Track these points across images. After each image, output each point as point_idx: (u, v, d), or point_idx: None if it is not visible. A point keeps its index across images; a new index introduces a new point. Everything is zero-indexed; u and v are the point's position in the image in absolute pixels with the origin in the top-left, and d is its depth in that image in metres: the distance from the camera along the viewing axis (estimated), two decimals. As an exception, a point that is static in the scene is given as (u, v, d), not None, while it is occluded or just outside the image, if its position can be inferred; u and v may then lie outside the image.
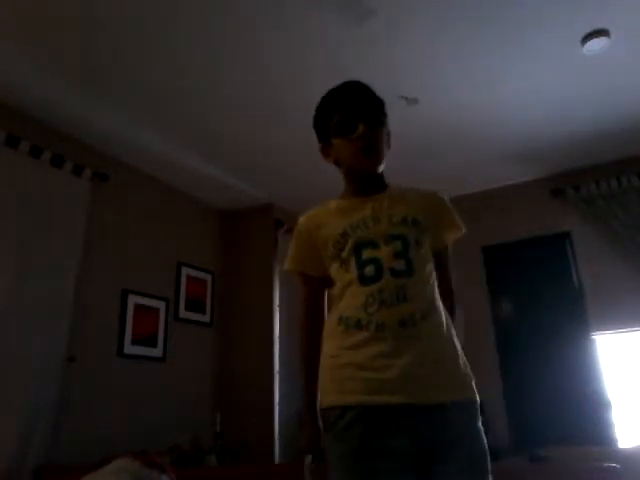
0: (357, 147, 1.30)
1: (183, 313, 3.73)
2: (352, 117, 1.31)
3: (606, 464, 2.01)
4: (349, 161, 1.34)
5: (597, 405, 3.41)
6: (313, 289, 1.41)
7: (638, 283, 3.45)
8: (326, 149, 1.41)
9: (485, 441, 1.18)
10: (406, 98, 2.88)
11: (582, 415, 3.39)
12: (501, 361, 3.75)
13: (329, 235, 1.32)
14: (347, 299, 1.26)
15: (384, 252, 1.24)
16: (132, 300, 3.33)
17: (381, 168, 1.37)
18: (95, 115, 3.02)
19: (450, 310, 1.33)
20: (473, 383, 1.24)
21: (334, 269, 1.30)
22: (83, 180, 3.09)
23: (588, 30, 2.49)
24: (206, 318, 3.94)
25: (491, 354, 3.77)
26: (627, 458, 2.40)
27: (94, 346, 3.04)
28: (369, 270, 1.24)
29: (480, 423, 1.20)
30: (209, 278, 4.03)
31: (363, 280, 1.24)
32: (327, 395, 1.24)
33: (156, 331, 3.46)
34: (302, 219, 1.42)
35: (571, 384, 3.52)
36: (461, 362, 1.25)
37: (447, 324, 1.27)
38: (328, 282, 1.35)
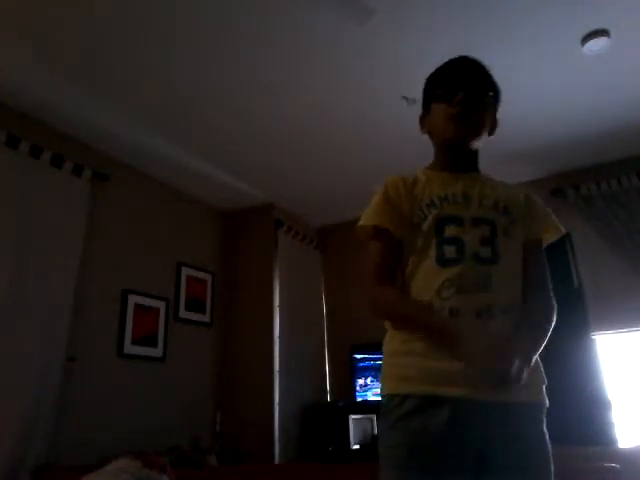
0: (451, 113, 1.23)
1: (183, 313, 3.73)
2: (457, 84, 1.24)
3: (606, 464, 2.00)
4: (441, 127, 1.26)
5: (597, 405, 3.41)
6: (391, 250, 1.21)
7: (638, 283, 3.45)
8: (424, 117, 1.34)
9: (549, 445, 1.12)
10: (406, 98, 2.88)
11: (582, 415, 3.39)
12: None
13: (415, 200, 1.21)
14: (420, 280, 1.15)
15: (470, 234, 1.15)
16: (132, 300, 3.33)
17: (474, 144, 1.27)
18: (95, 115, 3.02)
19: (550, 303, 1.21)
20: (543, 387, 1.18)
21: (411, 239, 1.18)
22: (83, 180, 3.09)
23: (588, 30, 2.49)
24: (206, 318, 3.94)
25: (491, 354, 3.76)
26: (627, 458, 2.40)
27: (94, 346, 3.04)
28: (449, 251, 1.14)
29: (544, 427, 1.14)
30: (209, 278, 4.03)
31: (441, 261, 1.13)
32: (389, 381, 1.16)
33: (156, 331, 3.46)
34: (393, 177, 1.27)
35: (571, 384, 3.52)
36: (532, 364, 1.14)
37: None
38: (401, 250, 1.21)
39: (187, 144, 3.39)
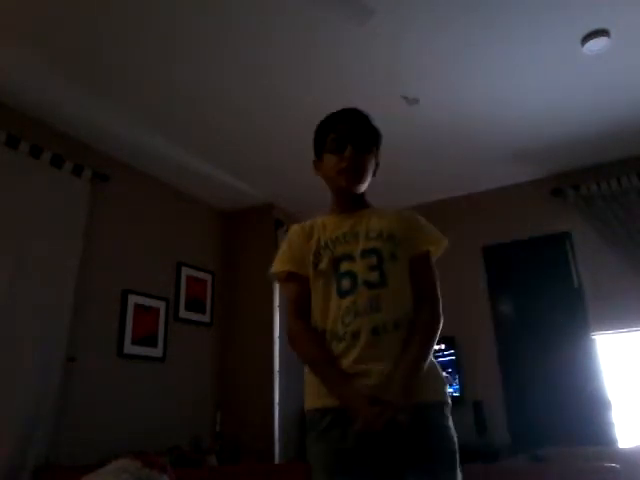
0: (341, 165, 1.41)
1: (183, 313, 3.73)
2: (344, 138, 1.41)
3: (606, 464, 2.01)
4: (333, 177, 1.44)
5: (597, 405, 3.41)
6: (303, 289, 1.40)
7: (638, 283, 3.45)
8: (318, 164, 1.51)
9: (454, 439, 1.26)
10: (406, 98, 2.88)
11: (582, 415, 3.39)
12: (501, 361, 3.75)
13: (313, 245, 1.40)
14: (325, 310, 1.33)
15: (359, 265, 1.33)
16: (132, 300, 3.33)
17: (361, 189, 1.46)
18: (95, 115, 3.02)
19: (431, 315, 1.34)
20: (445, 387, 1.34)
21: (314, 279, 1.37)
22: (83, 180, 3.09)
23: (588, 30, 2.49)
24: (206, 318, 3.94)
25: (491, 354, 3.77)
26: (627, 458, 2.40)
27: (94, 346, 3.04)
28: (345, 283, 1.32)
29: (450, 422, 1.28)
30: (209, 278, 4.03)
31: (340, 292, 1.32)
32: (310, 398, 1.33)
33: (156, 331, 3.46)
34: (294, 227, 1.51)
35: (571, 384, 3.52)
36: (431, 366, 1.31)
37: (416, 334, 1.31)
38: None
39: (187, 144, 3.39)
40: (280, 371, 3.81)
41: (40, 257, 2.76)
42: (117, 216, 3.38)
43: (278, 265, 1.45)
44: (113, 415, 3.03)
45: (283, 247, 1.48)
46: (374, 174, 1.50)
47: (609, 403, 3.41)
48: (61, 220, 2.91)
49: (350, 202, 1.47)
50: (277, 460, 3.59)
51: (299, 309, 1.40)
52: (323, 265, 1.36)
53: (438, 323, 1.35)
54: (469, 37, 2.52)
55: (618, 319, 3.50)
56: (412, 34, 2.49)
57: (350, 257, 1.35)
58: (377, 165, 1.50)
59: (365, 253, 1.35)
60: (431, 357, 1.32)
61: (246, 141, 3.37)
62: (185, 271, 3.81)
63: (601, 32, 2.49)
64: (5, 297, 2.59)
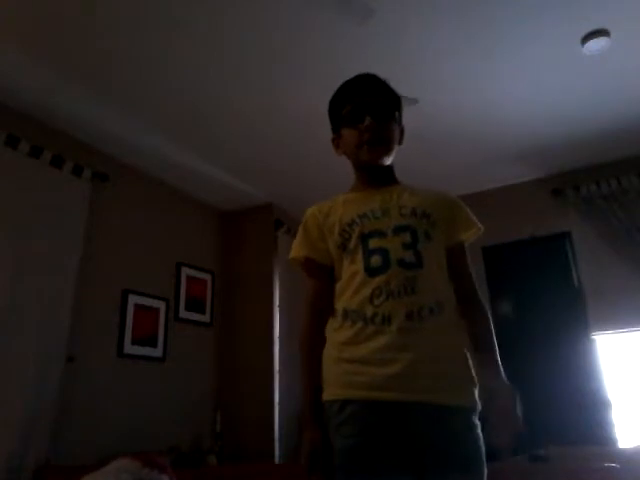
0: (362, 138, 1.30)
1: (183, 313, 3.73)
2: (361, 108, 1.31)
3: (606, 464, 2.01)
4: (354, 152, 1.34)
5: (597, 405, 3.41)
6: (322, 282, 1.30)
7: (638, 283, 3.44)
8: (337, 140, 1.41)
9: (482, 448, 1.16)
10: (406, 98, 2.88)
11: (582, 415, 3.39)
12: (501, 361, 3.74)
13: (337, 223, 1.29)
14: (353, 291, 1.21)
15: (392, 242, 1.21)
16: (132, 300, 3.33)
17: (388, 161, 1.36)
18: (95, 115, 3.02)
19: (478, 313, 1.28)
20: (475, 390, 1.21)
21: (340, 260, 1.27)
22: (83, 180, 3.09)
23: (588, 30, 2.49)
24: (206, 318, 3.94)
25: (491, 354, 3.76)
26: (627, 458, 2.40)
27: (94, 346, 3.04)
28: (375, 260, 1.20)
29: (478, 430, 1.18)
30: (209, 278, 4.03)
31: (369, 271, 1.20)
32: (329, 388, 1.21)
33: (156, 331, 3.46)
34: (310, 209, 1.39)
35: (571, 384, 3.52)
36: (464, 365, 1.22)
37: (457, 324, 1.24)
38: (334, 275, 1.30)
39: (187, 144, 3.38)
40: (280, 371, 3.80)
41: (40, 257, 2.76)
42: (117, 216, 3.37)
43: (295, 250, 1.36)
44: (113, 415, 3.03)
45: (299, 232, 1.37)
46: (400, 142, 1.39)
47: (609, 403, 3.41)
48: (61, 220, 2.91)
49: (376, 177, 1.35)
50: (277, 460, 3.59)
51: (314, 311, 1.30)
52: (352, 243, 1.24)
53: (488, 311, 1.30)
54: (469, 37, 2.52)
55: (618, 319, 3.50)
56: (412, 34, 2.49)
57: (381, 233, 1.23)
58: (403, 133, 1.40)
59: (399, 229, 1.23)
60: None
61: (246, 141, 3.37)
62: (185, 271, 3.81)
63: (601, 32, 2.49)
64: (5, 297, 2.58)
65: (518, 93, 2.94)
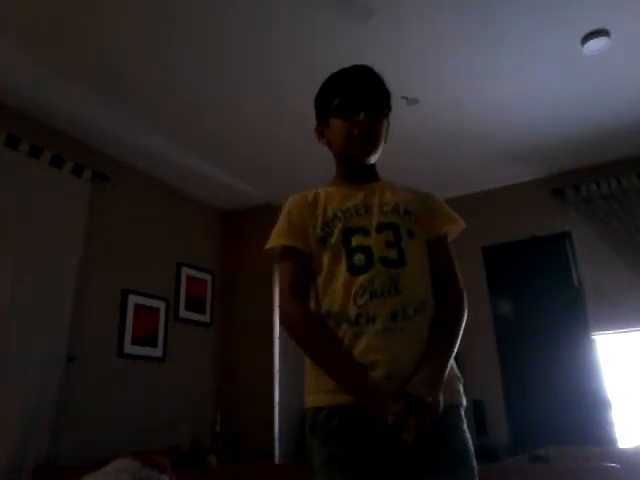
0: (353, 133, 1.26)
1: (183, 313, 3.73)
2: (357, 102, 1.27)
3: (606, 464, 2.00)
4: (343, 145, 1.29)
5: (597, 405, 3.41)
6: (301, 267, 1.23)
7: (638, 283, 3.44)
8: (322, 128, 1.36)
9: (471, 445, 1.15)
10: (406, 98, 2.88)
11: (582, 415, 3.39)
12: (501, 361, 3.75)
13: (320, 216, 1.25)
14: (334, 290, 1.17)
15: (375, 240, 1.18)
16: (132, 300, 3.33)
17: (374, 159, 1.33)
18: (95, 115, 3.02)
19: (457, 305, 1.23)
20: (461, 386, 1.21)
21: (318, 253, 1.21)
22: (83, 180, 3.09)
23: (588, 30, 2.49)
24: (206, 318, 3.94)
25: (491, 354, 3.76)
26: (627, 458, 2.40)
27: (94, 346, 3.04)
28: (359, 259, 1.16)
29: (464, 426, 1.17)
30: (209, 278, 4.03)
31: (352, 270, 1.16)
32: (313, 394, 1.16)
33: (156, 331, 3.46)
34: (293, 197, 1.36)
35: (571, 384, 3.52)
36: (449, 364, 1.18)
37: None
38: (311, 266, 1.24)
39: (187, 144, 3.39)
40: (280, 371, 3.81)
41: (40, 257, 2.76)
42: (117, 216, 3.38)
43: (276, 238, 1.27)
44: (113, 415, 3.03)
45: (281, 219, 1.31)
46: (386, 139, 1.35)
47: (609, 403, 3.41)
48: (61, 220, 2.91)
49: (359, 173, 1.32)
50: (277, 460, 3.59)
51: (296, 290, 1.21)
52: (334, 238, 1.20)
53: (464, 303, 1.24)
54: (469, 37, 2.52)
55: (618, 319, 3.50)
56: (412, 34, 2.49)
57: (364, 230, 1.19)
58: (388, 129, 1.37)
59: (382, 227, 1.20)
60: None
61: (246, 141, 3.37)
62: (185, 271, 3.81)
63: (601, 32, 2.49)
64: (5, 297, 2.59)
65: (518, 93, 2.94)
